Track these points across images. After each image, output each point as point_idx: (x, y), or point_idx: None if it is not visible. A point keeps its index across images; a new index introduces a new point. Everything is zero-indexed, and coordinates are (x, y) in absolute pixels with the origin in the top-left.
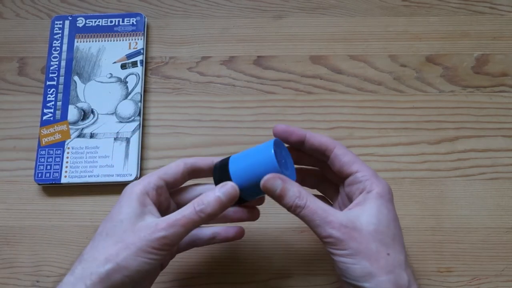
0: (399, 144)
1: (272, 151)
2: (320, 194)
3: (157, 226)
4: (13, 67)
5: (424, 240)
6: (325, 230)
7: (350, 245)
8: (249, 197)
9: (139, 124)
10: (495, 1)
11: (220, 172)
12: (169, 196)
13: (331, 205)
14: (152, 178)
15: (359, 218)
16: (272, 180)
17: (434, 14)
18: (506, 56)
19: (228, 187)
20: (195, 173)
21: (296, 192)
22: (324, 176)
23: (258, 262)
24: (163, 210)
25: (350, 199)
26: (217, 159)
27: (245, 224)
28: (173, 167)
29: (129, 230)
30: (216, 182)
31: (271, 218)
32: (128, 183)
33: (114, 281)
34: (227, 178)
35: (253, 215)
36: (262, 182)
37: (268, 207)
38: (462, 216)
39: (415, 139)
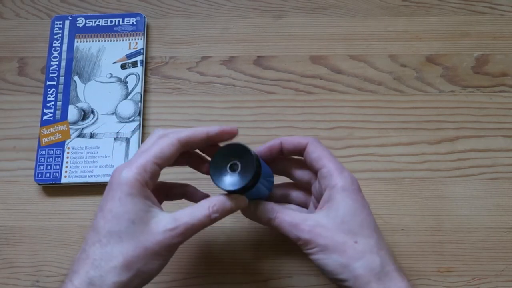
0: (399, 144)
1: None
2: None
3: (176, 231)
4: (13, 67)
5: (424, 240)
6: (294, 234)
7: (318, 243)
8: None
9: (139, 124)
10: (495, 1)
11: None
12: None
13: (306, 208)
14: (147, 164)
15: (326, 215)
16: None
17: (434, 14)
18: (506, 56)
19: (241, 202)
20: (188, 147)
21: (269, 208)
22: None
23: (258, 262)
24: (156, 195)
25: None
26: (211, 130)
27: (245, 224)
28: (167, 147)
29: (144, 232)
30: (252, 178)
31: None
32: None
33: (134, 286)
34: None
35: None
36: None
37: None
38: (462, 216)
39: (415, 139)
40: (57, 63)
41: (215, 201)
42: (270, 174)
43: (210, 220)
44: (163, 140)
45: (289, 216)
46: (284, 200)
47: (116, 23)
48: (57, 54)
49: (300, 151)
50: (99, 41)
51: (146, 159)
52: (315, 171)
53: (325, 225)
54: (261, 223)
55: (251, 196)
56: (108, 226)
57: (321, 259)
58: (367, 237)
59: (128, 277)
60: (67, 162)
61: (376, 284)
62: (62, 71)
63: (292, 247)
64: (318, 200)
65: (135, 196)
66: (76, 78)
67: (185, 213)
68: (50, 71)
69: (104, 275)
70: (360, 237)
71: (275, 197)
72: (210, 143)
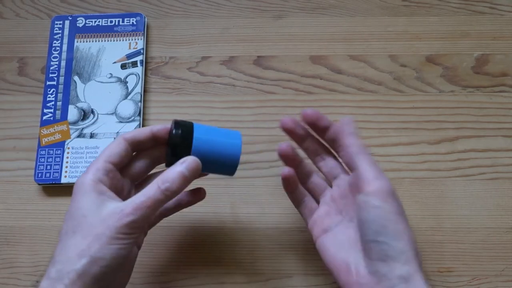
0: (399, 144)
1: (240, 142)
2: None
3: (124, 211)
4: (13, 67)
5: (424, 240)
6: (383, 178)
7: (396, 204)
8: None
9: (139, 124)
10: (495, 1)
11: (182, 140)
12: (121, 177)
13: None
14: (99, 165)
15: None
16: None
17: (434, 14)
18: (506, 56)
19: (190, 162)
20: (136, 146)
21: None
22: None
23: (258, 262)
24: (119, 192)
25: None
26: (155, 127)
27: (246, 224)
28: (116, 147)
29: (95, 222)
30: (173, 147)
31: (271, 218)
32: None
33: (93, 274)
34: (187, 147)
35: (200, 195)
36: (346, 119)
37: (268, 207)
38: (462, 216)
39: (415, 139)
40: (57, 63)
41: (163, 174)
42: (224, 134)
43: (161, 191)
44: (112, 142)
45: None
46: (306, 178)
47: (116, 23)
48: (57, 54)
49: (337, 140)
50: (99, 41)
51: (98, 161)
52: (349, 167)
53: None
54: (349, 151)
55: (208, 159)
56: (65, 226)
57: (392, 220)
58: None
59: (82, 265)
60: (67, 162)
61: (421, 273)
62: (62, 71)
63: (292, 247)
64: (341, 197)
65: (87, 193)
66: (76, 78)
67: (135, 195)
68: (50, 71)
69: (61, 268)
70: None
71: (302, 171)
72: (158, 142)
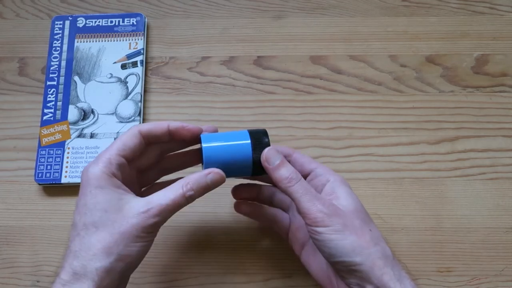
0: (399, 144)
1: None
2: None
3: (149, 212)
4: (13, 67)
5: (424, 240)
6: (315, 205)
7: (337, 221)
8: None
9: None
10: (495, 1)
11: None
12: (130, 170)
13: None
14: (112, 157)
15: (337, 202)
16: (273, 152)
17: (434, 14)
18: (506, 56)
19: (216, 176)
20: (150, 139)
21: (292, 168)
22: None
23: (258, 262)
24: (130, 186)
25: None
26: (172, 124)
27: (246, 224)
28: (130, 140)
29: (118, 219)
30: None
31: None
32: None
33: (120, 270)
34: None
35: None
36: (264, 153)
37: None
38: (462, 216)
39: (415, 139)
40: (57, 63)
41: (188, 179)
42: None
43: (185, 199)
44: (126, 133)
45: (310, 187)
46: (270, 200)
47: (116, 23)
48: (57, 54)
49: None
50: (99, 41)
51: (110, 152)
52: (305, 172)
53: (341, 209)
54: (278, 176)
55: (232, 171)
56: (83, 219)
57: (338, 239)
58: (375, 229)
59: (110, 262)
60: (67, 162)
61: (392, 271)
62: (63, 71)
63: (292, 248)
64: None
65: (104, 187)
66: (76, 78)
67: (158, 195)
68: (51, 71)
69: (86, 264)
70: (372, 227)
71: (263, 196)
72: (173, 138)
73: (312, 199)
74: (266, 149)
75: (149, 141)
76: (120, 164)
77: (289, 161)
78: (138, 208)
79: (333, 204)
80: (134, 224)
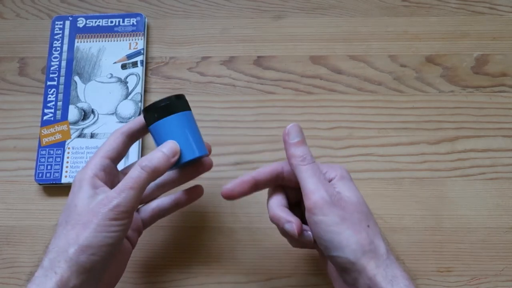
0: (399, 144)
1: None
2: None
3: (108, 197)
4: (13, 67)
5: (424, 240)
6: (319, 189)
7: (337, 212)
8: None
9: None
10: (495, 1)
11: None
12: (118, 172)
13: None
14: (96, 160)
15: (341, 193)
16: (297, 128)
17: (434, 14)
18: (506, 56)
19: (169, 143)
20: (133, 137)
21: (309, 152)
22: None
23: (258, 262)
24: (116, 183)
25: None
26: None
27: (245, 224)
28: (113, 142)
29: (84, 211)
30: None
31: None
32: None
33: (82, 263)
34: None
35: (197, 192)
36: (288, 126)
37: None
38: (462, 216)
39: (415, 139)
40: (57, 63)
41: (145, 155)
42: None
43: (141, 169)
44: (109, 137)
45: (318, 172)
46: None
47: (116, 23)
48: (57, 54)
49: (278, 175)
50: (99, 41)
51: (96, 156)
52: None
53: (344, 199)
54: (294, 152)
55: (177, 135)
56: (61, 218)
57: (333, 232)
58: (374, 225)
59: (72, 253)
60: (67, 162)
61: (385, 272)
62: (63, 71)
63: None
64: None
65: (84, 185)
66: (76, 78)
67: (120, 182)
68: (51, 71)
69: (54, 257)
70: (371, 223)
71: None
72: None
73: (318, 183)
74: (291, 124)
75: (132, 137)
76: (103, 165)
77: (282, 178)
78: (100, 198)
79: (338, 193)
80: (95, 212)
